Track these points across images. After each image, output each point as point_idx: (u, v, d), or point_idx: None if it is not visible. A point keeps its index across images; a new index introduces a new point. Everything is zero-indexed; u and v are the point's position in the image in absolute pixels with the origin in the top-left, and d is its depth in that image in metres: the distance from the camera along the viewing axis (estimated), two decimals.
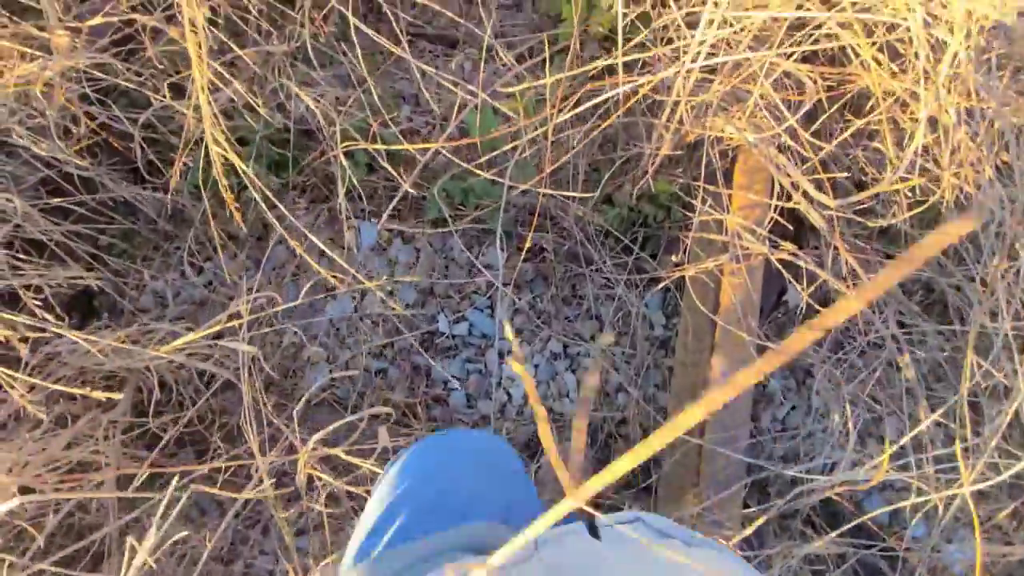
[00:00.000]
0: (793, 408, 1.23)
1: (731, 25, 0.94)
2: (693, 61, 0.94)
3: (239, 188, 1.21)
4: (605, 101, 1.03)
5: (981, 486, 0.80)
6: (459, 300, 1.31)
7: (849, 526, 0.87)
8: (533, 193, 1.26)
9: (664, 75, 0.91)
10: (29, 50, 1.07)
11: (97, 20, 1.08)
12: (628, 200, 1.27)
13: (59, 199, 1.09)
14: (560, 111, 1.08)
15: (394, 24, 1.25)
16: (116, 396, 0.89)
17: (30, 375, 0.92)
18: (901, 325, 1.16)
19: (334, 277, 1.08)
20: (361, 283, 1.09)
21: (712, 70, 1.03)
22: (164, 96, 1.11)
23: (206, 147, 1.23)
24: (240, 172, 1.03)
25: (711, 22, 0.86)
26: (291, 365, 1.26)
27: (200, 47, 0.88)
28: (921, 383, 1.11)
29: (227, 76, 1.09)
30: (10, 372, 0.84)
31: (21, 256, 1.00)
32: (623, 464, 0.33)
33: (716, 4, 0.88)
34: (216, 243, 1.28)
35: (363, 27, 1.01)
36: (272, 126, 1.24)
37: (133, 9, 1.20)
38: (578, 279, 1.31)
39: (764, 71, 0.98)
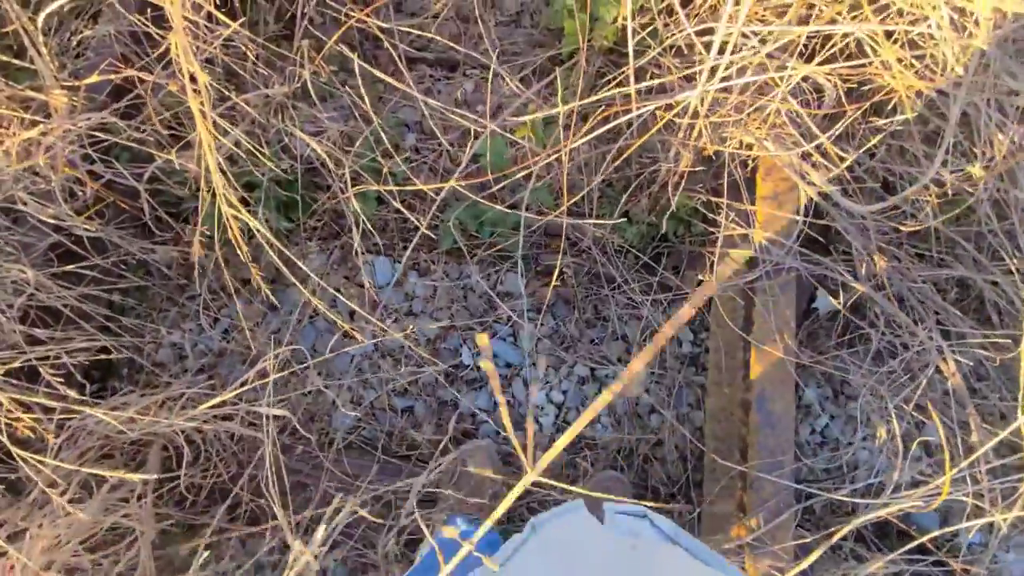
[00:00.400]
0: (832, 419, 1.20)
1: (747, 38, 0.90)
2: (710, 80, 0.91)
3: (249, 233, 1.19)
4: (611, 118, 1.00)
5: None
6: (481, 330, 1.28)
7: (912, 545, 0.84)
8: (542, 216, 1.23)
9: (684, 97, 0.87)
10: (27, 115, 1.05)
11: (94, 78, 1.05)
12: (647, 216, 1.24)
13: (70, 264, 1.07)
14: (574, 135, 1.04)
15: (392, 52, 1.22)
16: (142, 477, 0.87)
17: (57, 451, 0.91)
18: (938, 324, 1.12)
19: (352, 329, 1.06)
20: (384, 331, 1.07)
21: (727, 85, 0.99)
22: (168, 151, 1.08)
23: (213, 196, 1.21)
24: (249, 220, 1.00)
25: (726, 44, 0.83)
26: (315, 410, 1.24)
27: (203, 105, 0.85)
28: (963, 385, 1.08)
29: (229, 125, 1.06)
30: (37, 457, 0.82)
31: (38, 327, 0.98)
32: (566, 438, 0.35)
33: (731, 18, 0.85)
34: (230, 291, 1.25)
35: (364, 65, 0.98)
36: (277, 168, 1.22)
37: (125, 61, 1.17)
38: (601, 300, 1.28)
39: (785, 81, 0.94)
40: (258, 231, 0.90)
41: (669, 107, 0.99)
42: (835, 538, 0.79)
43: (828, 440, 1.19)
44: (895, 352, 1.12)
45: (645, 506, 0.47)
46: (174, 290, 1.29)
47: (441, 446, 1.14)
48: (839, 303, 0.97)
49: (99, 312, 1.16)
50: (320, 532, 0.69)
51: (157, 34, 1.03)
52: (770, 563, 0.91)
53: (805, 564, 0.82)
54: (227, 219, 0.94)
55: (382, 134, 1.11)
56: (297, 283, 1.27)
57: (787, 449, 0.95)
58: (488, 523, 0.36)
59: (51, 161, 0.96)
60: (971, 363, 1.11)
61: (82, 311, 1.10)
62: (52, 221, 1.05)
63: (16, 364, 0.88)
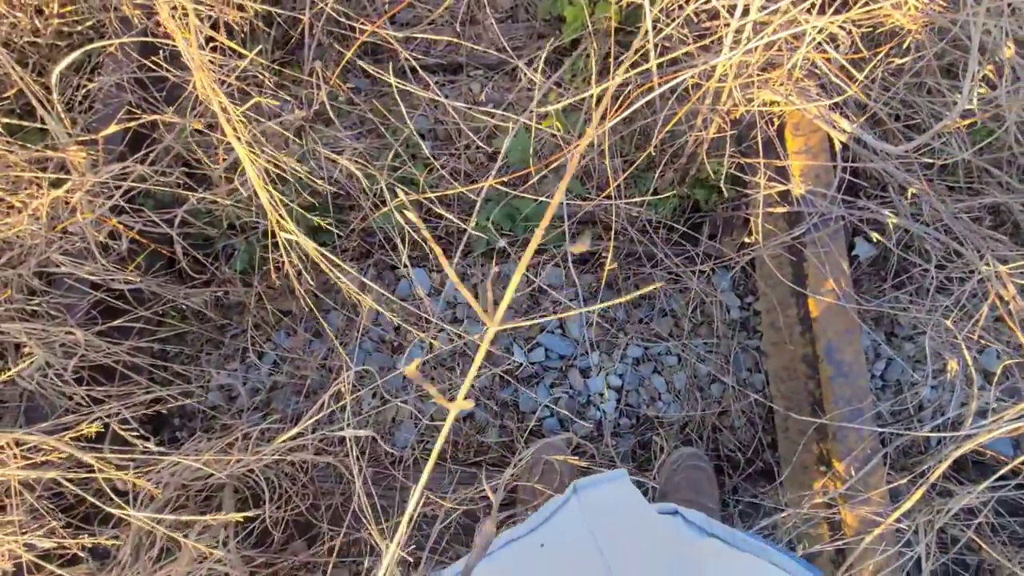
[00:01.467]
0: (889, 362, 1.20)
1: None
2: (734, 46, 0.91)
3: (278, 266, 1.17)
4: (637, 97, 1.00)
5: None
6: (528, 327, 1.28)
7: (1003, 471, 0.84)
8: (576, 204, 1.23)
9: (720, 60, 0.87)
10: (47, 174, 1.03)
11: (112, 128, 1.04)
12: (676, 188, 1.24)
13: (115, 319, 1.05)
14: (599, 118, 1.04)
15: (398, 63, 1.21)
16: (229, 518, 0.85)
17: (142, 505, 0.89)
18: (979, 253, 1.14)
19: (424, 338, 1.05)
20: (460, 336, 1.06)
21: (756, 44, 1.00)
22: (193, 191, 1.07)
23: (243, 231, 1.20)
24: (304, 241, 0.99)
25: (748, 6, 0.83)
26: (377, 430, 1.23)
27: (238, 135, 0.84)
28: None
29: (273, 153, 1.05)
30: (125, 510, 0.80)
31: (98, 388, 0.96)
32: (516, 278, 0.36)
33: None
34: (272, 324, 1.24)
35: (387, 76, 0.98)
36: (303, 193, 1.21)
37: (136, 108, 1.16)
38: (643, 279, 1.28)
39: (807, 34, 0.95)
40: (324, 256, 0.89)
41: (698, 75, 1.00)
42: (935, 474, 0.79)
43: (889, 383, 1.19)
44: (945, 287, 1.12)
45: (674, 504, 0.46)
46: (214, 331, 1.28)
47: (521, 446, 1.14)
48: (891, 243, 0.98)
49: (146, 363, 1.14)
50: (403, 526, 0.67)
51: (175, 76, 1.02)
52: (867, 509, 0.91)
53: (908, 504, 0.83)
54: (282, 245, 0.93)
55: (405, 145, 1.10)
56: (337, 307, 1.26)
57: (864, 395, 0.95)
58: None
59: (88, 218, 0.94)
60: (1020, 285, 1.12)
61: (134, 364, 1.08)
62: (90, 278, 1.03)
63: (94, 428, 0.86)
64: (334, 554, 1.09)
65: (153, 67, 1.15)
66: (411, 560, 0.97)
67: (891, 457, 1.15)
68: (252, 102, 0.86)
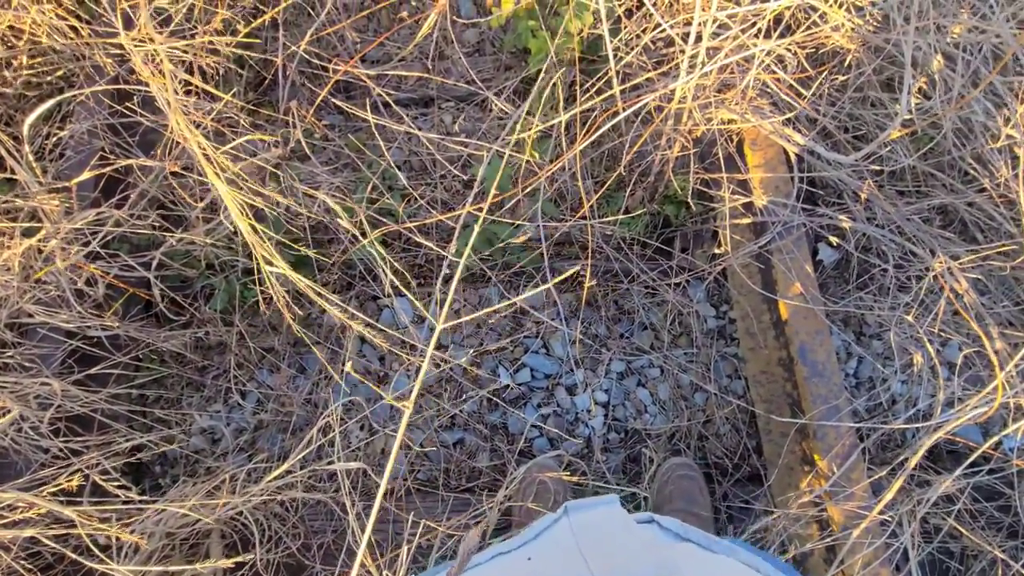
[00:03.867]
0: (860, 360, 1.25)
1: (720, 24, 0.97)
2: (690, 70, 0.97)
3: (268, 300, 1.17)
4: (603, 121, 1.05)
5: None
6: (512, 349, 1.30)
7: (974, 456, 0.88)
8: (554, 228, 1.27)
9: (677, 84, 0.93)
10: (18, 224, 1.02)
11: (86, 175, 1.04)
12: (646, 206, 1.29)
13: (91, 367, 1.03)
14: (568, 145, 1.09)
15: (371, 98, 1.25)
16: (220, 565, 0.83)
17: (126, 557, 0.86)
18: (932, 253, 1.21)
19: (410, 359, 1.05)
20: (447, 361, 1.06)
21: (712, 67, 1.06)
22: (168, 234, 1.07)
23: (222, 269, 1.19)
24: (276, 281, 1.00)
25: (703, 29, 0.89)
26: (368, 462, 1.21)
27: (218, 174, 0.85)
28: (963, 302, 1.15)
29: (256, 191, 1.06)
30: (108, 565, 0.78)
31: (75, 439, 0.94)
32: (453, 287, 0.38)
33: (705, 8, 0.91)
34: (254, 363, 1.23)
35: (363, 114, 1.00)
36: (280, 230, 1.21)
37: (109, 153, 1.16)
38: (621, 295, 1.32)
39: (756, 57, 1.01)
40: (320, 295, 0.89)
41: (659, 98, 1.05)
42: (912, 462, 0.83)
43: (862, 381, 1.24)
44: (904, 286, 1.19)
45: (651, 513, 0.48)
46: (195, 373, 1.25)
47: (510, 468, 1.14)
48: (850, 247, 1.03)
49: (124, 411, 1.11)
50: (403, 554, 0.68)
51: (149, 120, 1.03)
52: (851, 504, 0.94)
53: (890, 495, 0.86)
54: (267, 279, 0.93)
55: (382, 177, 1.12)
56: (320, 340, 1.25)
57: (839, 393, 0.99)
58: None
59: (63, 266, 0.93)
60: (972, 279, 1.19)
61: (112, 412, 1.06)
62: (65, 326, 1.01)
63: (74, 481, 0.83)
64: None
65: (126, 113, 1.15)
66: None
67: (870, 452, 1.19)
68: (236, 142, 0.87)
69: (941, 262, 0.96)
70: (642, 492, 1.13)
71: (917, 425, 0.90)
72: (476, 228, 0.64)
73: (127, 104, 1.11)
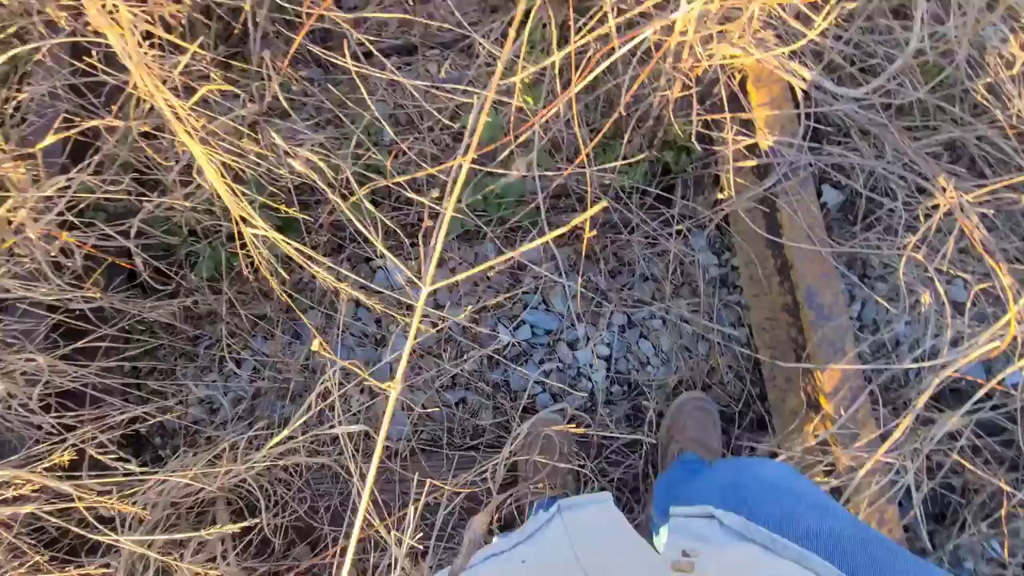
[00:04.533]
0: (863, 304, 1.24)
1: None
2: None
3: (253, 266, 1.13)
4: (599, 61, 0.99)
5: None
6: (511, 306, 1.27)
7: (983, 391, 0.87)
8: (548, 178, 1.22)
9: (673, 16, 0.86)
10: None
11: (50, 139, 0.97)
12: (646, 153, 1.24)
13: (77, 341, 1.00)
14: (563, 88, 1.03)
15: (354, 46, 1.17)
16: (226, 530, 0.83)
17: (127, 527, 0.85)
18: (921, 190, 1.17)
19: (402, 316, 1.02)
20: (441, 318, 1.04)
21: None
22: (152, 198, 1.01)
23: (207, 235, 1.14)
24: (261, 245, 0.95)
25: None
26: (370, 424, 1.20)
27: (191, 132, 0.80)
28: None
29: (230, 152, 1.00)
30: (117, 537, 0.77)
31: (68, 413, 0.91)
32: (436, 253, 0.36)
33: None
34: (247, 330, 1.20)
35: (343, 60, 0.93)
36: (265, 190, 1.16)
37: (74, 116, 1.09)
38: (620, 247, 1.28)
39: None
40: (288, 244, 0.85)
41: (658, 32, 0.99)
42: (921, 400, 0.82)
43: (866, 324, 1.23)
44: (912, 226, 1.16)
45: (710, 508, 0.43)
46: (187, 343, 1.22)
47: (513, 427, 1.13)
48: (858, 184, 0.99)
49: (118, 384, 1.09)
50: (410, 515, 0.67)
51: (114, 77, 0.96)
52: (857, 446, 0.94)
53: (898, 433, 0.85)
54: (250, 243, 0.89)
55: (367, 132, 1.06)
56: (313, 305, 1.22)
57: (846, 335, 0.97)
58: None
59: (35, 236, 0.88)
60: (980, 215, 1.16)
61: (104, 386, 1.03)
62: (45, 300, 0.97)
63: (66, 456, 0.81)
64: (339, 554, 1.07)
65: (88, 71, 1.08)
66: (421, 548, 0.96)
67: (874, 393, 1.19)
68: (201, 92, 0.81)
69: (952, 197, 0.93)
70: (646, 439, 1.13)
71: (926, 364, 0.89)
72: (460, 178, 0.60)
73: (87, 59, 1.03)
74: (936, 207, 0.95)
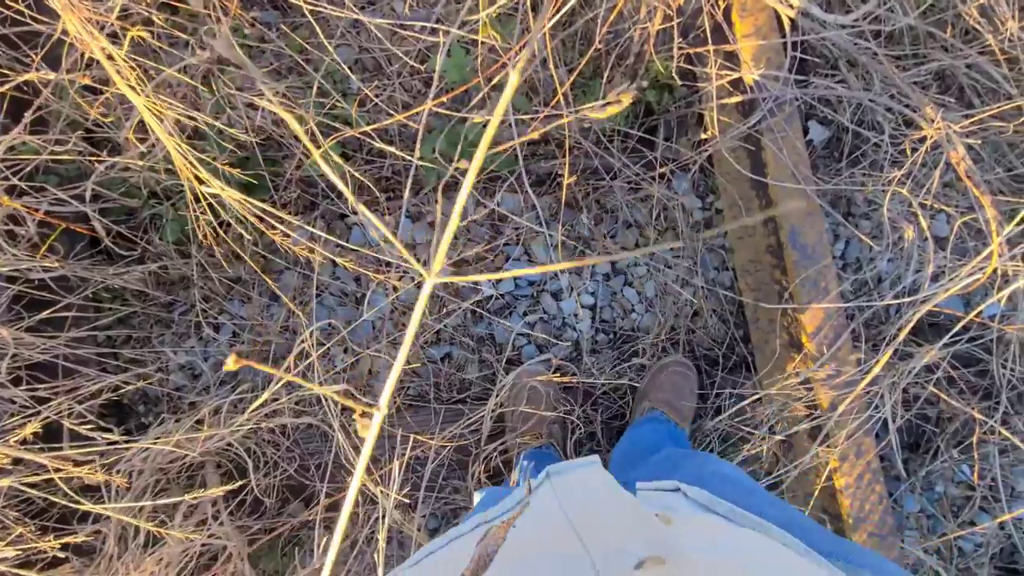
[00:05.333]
0: (848, 242, 1.23)
1: None
2: None
3: (224, 226, 1.08)
4: None
5: None
6: (493, 258, 1.24)
7: (962, 323, 0.88)
8: (526, 123, 1.16)
9: None
10: None
11: None
12: (635, 92, 1.18)
13: (43, 311, 0.96)
14: (534, 22, 0.96)
15: None
16: (213, 492, 0.82)
17: (116, 497, 0.85)
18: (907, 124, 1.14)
19: (386, 281, 1.00)
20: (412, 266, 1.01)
21: None
22: (104, 158, 0.95)
23: (169, 198, 1.09)
24: (230, 208, 0.91)
25: None
26: (354, 384, 1.20)
27: (134, 86, 0.73)
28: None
29: (160, 109, 0.93)
30: (100, 505, 0.76)
31: (39, 386, 0.89)
32: (445, 242, 0.35)
33: None
34: (222, 294, 1.17)
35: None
36: (227, 148, 1.10)
37: (10, 71, 1.00)
38: (603, 193, 1.25)
39: None
40: (252, 204, 0.81)
41: None
42: (902, 334, 0.82)
43: (849, 262, 1.23)
44: (897, 160, 1.13)
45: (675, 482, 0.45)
46: (161, 310, 1.19)
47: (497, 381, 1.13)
48: (844, 118, 0.96)
49: (92, 354, 1.06)
50: (395, 470, 0.68)
51: (47, 24, 0.87)
52: (838, 382, 0.95)
53: (877, 368, 0.86)
54: (207, 206, 0.84)
55: (332, 80, 0.99)
56: (289, 265, 1.18)
57: (829, 275, 0.97)
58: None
59: None
60: (966, 146, 1.13)
61: (77, 357, 1.00)
62: (2, 271, 0.93)
63: (31, 428, 0.79)
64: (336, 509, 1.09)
65: (17, 20, 0.98)
66: (408, 502, 0.98)
67: (856, 331, 1.20)
68: (131, 34, 0.74)
69: (940, 128, 0.90)
70: (629, 383, 1.14)
71: (907, 299, 0.89)
72: (422, 121, 0.56)
73: (14, 8, 0.94)
74: (923, 139, 0.93)
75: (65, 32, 0.90)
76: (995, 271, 0.97)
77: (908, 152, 1.04)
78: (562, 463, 0.43)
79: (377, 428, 0.37)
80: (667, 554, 0.29)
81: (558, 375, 1.14)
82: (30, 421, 0.81)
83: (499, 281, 1.24)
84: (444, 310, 1.22)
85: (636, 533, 0.32)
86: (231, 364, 0.27)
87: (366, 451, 0.37)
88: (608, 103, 0.53)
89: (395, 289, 1.18)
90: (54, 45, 1.05)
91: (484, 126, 1.11)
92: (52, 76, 0.86)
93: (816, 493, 0.99)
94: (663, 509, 0.40)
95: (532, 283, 1.24)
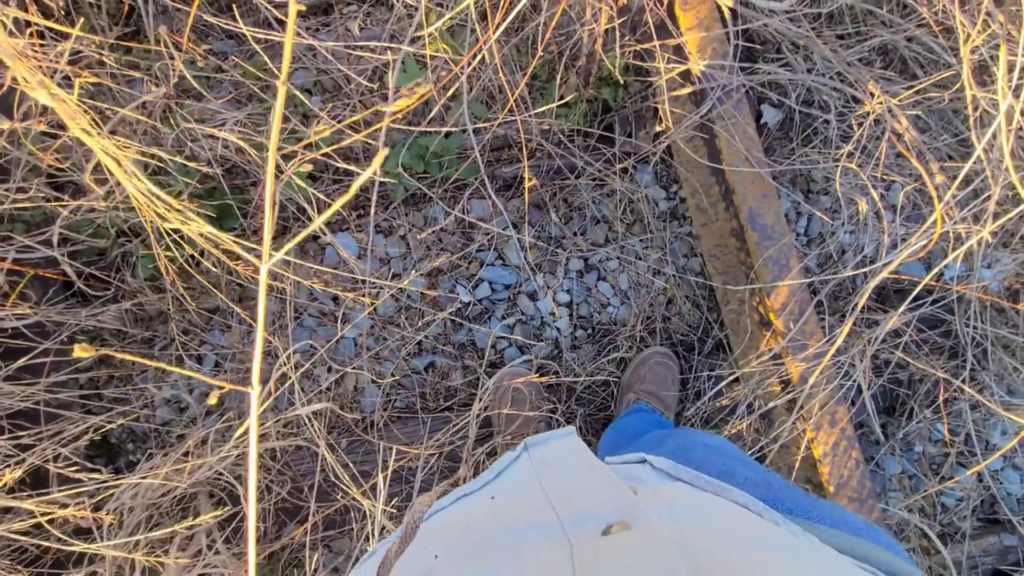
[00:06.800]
0: (809, 219, 1.26)
1: None
2: None
3: (195, 259, 1.09)
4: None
5: (1003, 220, 0.84)
6: (468, 265, 1.26)
7: (920, 287, 0.91)
8: (485, 130, 1.19)
9: None
10: None
11: None
12: (582, 92, 1.21)
13: (20, 359, 0.96)
14: (486, 33, 0.98)
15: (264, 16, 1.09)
16: (207, 518, 0.83)
17: (106, 533, 0.85)
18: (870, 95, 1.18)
19: (360, 298, 1.01)
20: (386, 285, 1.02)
21: None
22: (67, 201, 0.95)
23: (139, 235, 1.10)
24: (196, 243, 0.92)
25: None
26: (342, 401, 1.21)
27: (89, 129, 0.74)
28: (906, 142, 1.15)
29: (117, 148, 0.94)
30: (94, 545, 0.77)
31: (22, 433, 0.89)
32: (270, 219, 0.37)
33: None
34: (201, 326, 1.17)
35: (244, 27, 0.87)
36: (190, 182, 1.10)
37: None
38: (569, 192, 1.27)
39: None
40: (213, 236, 0.82)
41: None
42: (861, 300, 0.85)
43: (812, 238, 1.26)
44: (847, 135, 1.17)
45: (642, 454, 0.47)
46: (141, 346, 1.19)
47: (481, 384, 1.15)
48: (791, 101, 0.99)
49: (75, 398, 1.06)
50: (380, 483, 0.69)
51: None
52: (807, 354, 0.98)
53: (842, 336, 0.89)
54: (168, 242, 0.85)
55: (292, 105, 1.01)
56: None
57: (789, 253, 1.00)
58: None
59: None
60: (912, 117, 1.17)
61: (59, 402, 1.01)
62: None
63: (11, 475, 0.80)
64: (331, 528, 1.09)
65: None
66: (397, 512, 0.99)
67: (823, 304, 1.24)
68: (79, 80, 0.75)
69: (881, 102, 0.94)
70: (611, 378, 1.16)
71: (865, 270, 0.92)
72: (382, 130, 0.57)
73: None
74: (867, 114, 0.96)
75: (16, 80, 0.90)
76: (948, 234, 1.00)
77: (855, 127, 1.07)
78: (539, 435, 0.44)
79: (256, 417, 0.39)
80: (634, 520, 0.31)
81: (540, 375, 1.16)
82: (11, 468, 0.82)
83: (476, 287, 1.25)
84: (422, 320, 1.23)
85: (606, 499, 0.34)
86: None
87: (250, 521, 0.38)
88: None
89: (374, 307, 1.19)
90: (6, 94, 1.05)
91: (446, 136, 1.13)
92: (7, 125, 0.86)
93: (798, 464, 1.02)
94: (630, 480, 0.42)
95: (508, 286, 1.26)
